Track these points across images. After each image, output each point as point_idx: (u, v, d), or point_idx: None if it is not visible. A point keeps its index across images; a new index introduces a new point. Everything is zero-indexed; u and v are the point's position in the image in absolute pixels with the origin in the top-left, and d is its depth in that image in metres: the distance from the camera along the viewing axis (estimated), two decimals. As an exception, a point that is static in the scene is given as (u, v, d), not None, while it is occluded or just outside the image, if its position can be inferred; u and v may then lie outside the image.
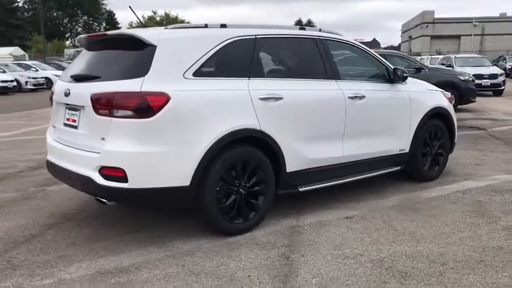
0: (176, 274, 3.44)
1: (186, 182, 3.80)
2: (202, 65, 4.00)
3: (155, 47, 3.82)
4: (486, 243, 3.97)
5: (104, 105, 3.73)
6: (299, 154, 4.51)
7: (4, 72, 24.51)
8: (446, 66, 20.98)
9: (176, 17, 74.11)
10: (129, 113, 3.66)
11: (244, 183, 4.16)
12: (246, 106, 4.11)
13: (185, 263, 3.62)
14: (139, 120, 3.66)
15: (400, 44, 75.58)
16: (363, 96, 5.03)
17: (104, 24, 79.89)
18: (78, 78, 4.19)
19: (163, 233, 4.22)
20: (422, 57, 32.87)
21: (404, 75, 5.40)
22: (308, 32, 4.91)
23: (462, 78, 13.63)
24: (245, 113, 4.11)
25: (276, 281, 3.33)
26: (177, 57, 3.90)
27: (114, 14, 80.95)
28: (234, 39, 4.26)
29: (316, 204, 4.99)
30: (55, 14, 78.54)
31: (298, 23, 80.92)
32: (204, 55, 4.02)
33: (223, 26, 4.36)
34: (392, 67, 5.45)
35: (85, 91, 3.90)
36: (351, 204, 5.06)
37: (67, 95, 4.16)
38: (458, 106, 13.69)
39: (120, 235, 4.20)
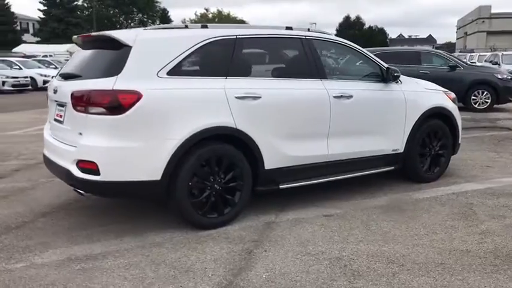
0: (138, 263, 3.63)
1: (157, 176, 3.98)
2: (178, 65, 4.16)
3: (130, 47, 4.02)
4: (455, 247, 3.91)
5: (81, 102, 3.96)
6: (279, 152, 4.58)
7: (21, 69, 23.95)
8: (493, 64, 20.21)
9: (228, 14, 74.96)
10: (102, 109, 3.87)
11: (219, 179, 4.29)
12: (221, 104, 4.24)
13: (151, 253, 3.80)
14: (111, 117, 3.87)
15: (456, 40, 73.05)
16: (350, 96, 5.03)
17: (158, 22, 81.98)
18: (65, 77, 4.47)
19: (143, 224, 4.42)
20: (473, 54, 31.72)
21: (395, 74, 5.33)
22: (294, 32, 4.96)
23: (500, 77, 13.11)
24: (219, 111, 4.23)
25: (229, 274, 3.45)
26: (151, 57, 4.08)
27: (168, 12, 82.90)
28: (214, 39, 4.39)
29: (301, 201, 5.05)
30: (112, 11, 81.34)
31: (346, 19, 79.92)
32: (180, 55, 4.17)
33: (204, 26, 4.50)
34: (386, 66, 5.40)
35: (67, 89, 4.16)
36: (336, 202, 5.08)
37: (55, 92, 4.44)
38: (495, 106, 13.20)
39: (103, 225, 4.44)
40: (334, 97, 4.91)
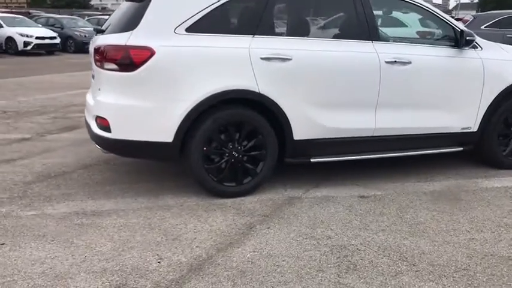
0: (133, 225, 3.54)
1: (169, 138, 3.81)
2: (200, 21, 3.88)
3: (149, 1, 3.83)
4: (496, 251, 3.22)
5: (99, 57, 3.91)
6: (311, 122, 4.14)
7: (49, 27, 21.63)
8: None
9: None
10: (115, 66, 3.77)
11: (239, 146, 4.01)
12: (243, 66, 3.90)
13: (154, 216, 3.69)
14: (123, 74, 3.76)
15: None
16: (408, 62, 4.34)
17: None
18: (98, 31, 4.45)
19: (167, 186, 4.33)
20: None
21: (468, 38, 4.47)
22: (344, -14, 4.37)
23: None
24: (240, 73, 3.90)
25: (214, 248, 3.20)
26: (170, 12, 3.86)
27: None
28: (244, -7, 4.03)
29: (342, 178, 4.59)
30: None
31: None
32: (203, 10, 3.89)
33: (234, -21, 4.14)
34: (460, 28, 4.56)
35: (93, 44, 4.14)
36: (381, 183, 4.51)
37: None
38: None
39: (129, 182, 4.44)
40: (387, 62, 4.28)
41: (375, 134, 4.39)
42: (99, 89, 3.95)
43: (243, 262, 3.03)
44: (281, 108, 4.00)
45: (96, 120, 3.98)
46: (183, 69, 3.79)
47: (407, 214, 3.81)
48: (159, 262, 3.02)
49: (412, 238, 3.39)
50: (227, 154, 3.99)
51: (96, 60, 3.98)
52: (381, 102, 4.33)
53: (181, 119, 3.78)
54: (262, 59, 3.93)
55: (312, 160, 4.24)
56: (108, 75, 3.84)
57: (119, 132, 3.82)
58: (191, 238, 3.34)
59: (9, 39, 19.53)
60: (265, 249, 3.20)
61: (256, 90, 3.91)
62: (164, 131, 3.81)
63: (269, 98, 3.95)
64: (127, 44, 3.73)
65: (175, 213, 3.75)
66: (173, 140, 3.82)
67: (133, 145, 3.84)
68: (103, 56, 3.84)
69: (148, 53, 3.71)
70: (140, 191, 4.22)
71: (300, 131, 4.12)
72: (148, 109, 3.78)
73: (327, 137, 4.24)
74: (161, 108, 3.79)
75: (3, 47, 19.58)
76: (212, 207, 3.89)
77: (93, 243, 3.25)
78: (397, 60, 4.30)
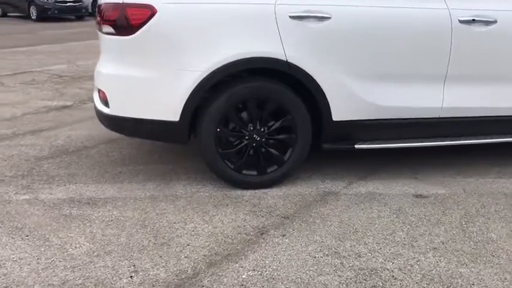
0: (125, 221, 2.96)
1: (174, 117, 3.16)
2: (213, -30, 3.12)
3: None
4: None
5: (99, 18, 3.30)
6: (357, 99, 3.27)
7: None
8: None
9: None
10: (111, 28, 3.15)
11: (261, 128, 3.26)
12: (266, 26, 3.10)
13: (151, 210, 3.09)
14: (120, 38, 3.13)
15: None
16: (492, 22, 3.28)
17: None
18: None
19: (184, 171, 3.71)
20: None
21: None
22: None
23: None
24: (263, 35, 3.12)
25: (204, 262, 2.53)
26: (177, -40, 3.12)
27: None
28: None
29: (399, 169, 3.70)
30: None
31: None
32: (218, -44, 3.11)
33: None
34: None
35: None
36: (448, 178, 3.57)
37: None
38: None
39: (145, 163, 3.88)
40: (461, 22, 3.25)
41: (442, 115, 3.42)
42: (100, 58, 3.36)
43: (234, 286, 2.33)
44: (316, 81, 3.17)
45: (98, 93, 3.42)
46: (191, 31, 3.07)
47: (474, 226, 2.87)
48: (131, 277, 2.41)
49: (474, 265, 2.48)
50: (247, 137, 3.26)
51: (97, 23, 3.38)
52: (452, 74, 3.33)
53: (189, 93, 3.10)
54: (291, 17, 3.10)
55: (356, 146, 3.38)
56: (106, 41, 3.24)
57: (117, 107, 3.24)
58: (184, 244, 2.70)
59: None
60: (269, 268, 2.47)
61: (283, 58, 3.11)
62: (168, 107, 3.16)
63: (300, 68, 3.14)
64: (124, 1, 3.07)
65: (179, 207, 3.13)
66: (180, 119, 3.15)
67: (134, 123, 3.24)
68: (101, 16, 3.23)
69: (148, 12, 3.03)
70: (152, 175, 3.64)
71: (341, 110, 3.28)
72: (149, 81, 3.14)
73: (377, 118, 3.35)
74: (164, 80, 3.13)
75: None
76: (225, 201, 3.21)
77: (69, 243, 2.72)
78: (476, 18, 3.26)
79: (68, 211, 3.10)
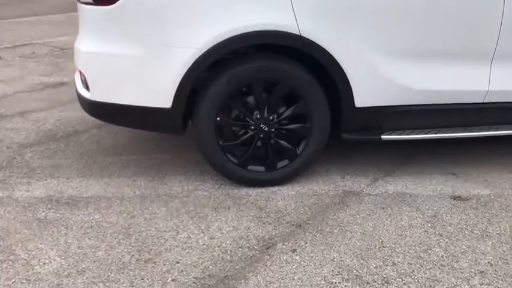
0: (107, 228, 2.50)
1: (166, 103, 2.65)
2: None
3: None
4: None
5: (76, -16, 2.78)
6: (385, 80, 2.72)
7: None
8: None
9: None
10: (89, -4, 2.63)
11: (270, 116, 2.74)
12: (275, -7, 2.54)
13: (140, 214, 2.63)
14: (98, 8, 2.61)
15: None
16: (555, -16, 2.65)
17: None
18: None
19: (184, 163, 3.23)
20: None
21: None
22: None
23: None
24: (271, 3, 2.56)
25: None
26: None
27: None
28: None
29: (433, 163, 3.16)
30: None
31: None
32: None
33: None
34: None
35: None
36: (495, 175, 3.02)
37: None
38: None
39: (139, 153, 3.41)
40: (517, -14, 2.63)
41: (487, 100, 2.85)
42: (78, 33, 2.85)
43: (229, 324, 1.87)
44: (335, 60, 2.62)
45: (80, 74, 2.92)
46: (183, 0, 2.52)
47: (527, 240, 2.34)
48: (101, 309, 1.96)
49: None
50: (252, 127, 2.74)
51: (75, -10, 2.85)
52: (502, 50, 2.73)
53: (182, 74, 2.58)
54: (306, -18, 2.53)
55: (383, 137, 2.83)
56: (84, 12, 2.72)
57: (98, 92, 2.74)
58: (172, 261, 2.23)
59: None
60: (273, 298, 1.99)
61: (296, 32, 2.56)
62: (158, 91, 2.65)
63: (315, 44, 2.59)
64: (103, -38, 2.53)
65: (172, 210, 2.65)
66: (172, 105, 2.65)
67: (118, 111, 2.75)
68: (78, -18, 2.70)
69: (131, -23, 2.49)
70: (146, 167, 3.17)
71: (366, 95, 2.73)
72: (134, 60, 2.62)
73: (409, 103, 2.80)
74: (153, 59, 2.61)
75: None
76: (227, 202, 2.72)
77: (37, 258, 2.27)
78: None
79: (43, 214, 2.65)
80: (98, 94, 2.73)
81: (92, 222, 2.56)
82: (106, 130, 3.83)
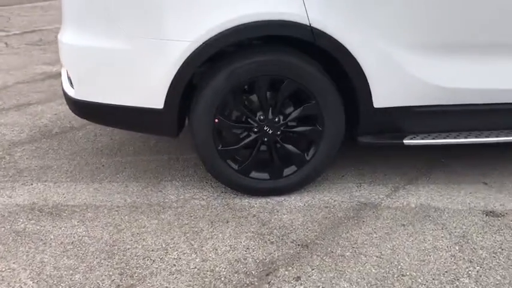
0: (87, 246, 2.22)
1: (157, 104, 2.34)
2: None
3: None
4: None
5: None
6: (411, 78, 2.36)
7: None
8: None
9: None
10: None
11: (275, 117, 2.40)
12: (280, -23, 2.19)
13: (127, 228, 2.34)
14: (78, -6, 2.29)
15: None
16: None
17: None
18: None
19: (182, 166, 2.94)
20: None
21: None
22: None
23: None
24: (277, -11, 2.21)
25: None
26: None
27: None
28: None
29: (465, 169, 2.79)
30: None
31: None
32: None
33: None
34: None
35: None
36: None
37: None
38: None
39: (136, 154, 3.13)
40: None
41: (529, 100, 2.45)
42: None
43: None
44: (351, 54, 2.28)
45: (66, 69, 2.63)
46: (174, -15, 2.20)
47: None
48: None
49: None
50: (255, 129, 2.42)
51: (58, -27, 2.54)
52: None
53: (175, 71, 2.27)
54: (317, -37, 2.17)
55: (406, 142, 2.47)
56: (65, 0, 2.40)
57: (82, 90, 2.45)
58: (157, 288, 1.94)
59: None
60: None
61: (305, 22, 2.21)
62: (149, 90, 2.35)
63: (328, 36, 2.24)
64: None
65: (163, 224, 2.36)
66: (165, 106, 2.34)
67: (105, 111, 2.45)
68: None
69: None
70: (141, 171, 2.89)
71: (387, 94, 2.38)
72: (121, 55, 2.31)
73: (436, 103, 2.43)
74: (142, 54, 2.30)
75: None
76: (225, 214, 2.42)
77: (7, 281, 2.01)
78: None
79: (22, 226, 2.39)
80: (82, 92, 2.44)
81: (74, 236, 2.28)
82: (103, 126, 3.54)
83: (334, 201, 2.50)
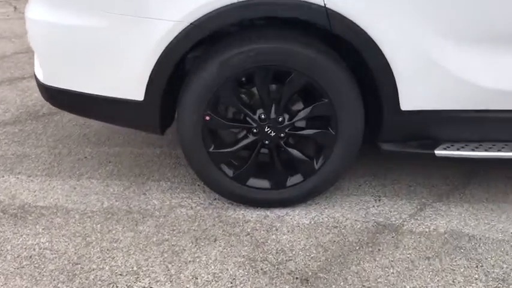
0: (47, 262, 1.87)
1: (136, 95, 1.95)
2: None
3: None
4: None
5: None
6: (447, 75, 1.89)
7: None
8: None
9: None
10: None
11: (278, 116, 1.98)
12: None
13: (97, 238, 1.98)
14: (44, -40, 1.88)
15: None
16: None
17: None
18: None
19: (172, 161, 2.56)
20: None
21: None
22: None
23: None
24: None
25: None
26: None
27: None
28: None
29: (508, 187, 2.31)
30: None
31: None
32: None
33: None
34: None
35: None
36: None
37: None
38: None
39: (125, 145, 2.76)
40: None
41: None
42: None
43: None
44: (374, 43, 1.82)
45: (38, 49, 2.24)
46: (157, -50, 1.76)
47: None
48: None
49: None
50: (255, 130, 1.99)
51: None
52: None
53: (158, 56, 1.85)
54: None
55: (437, 153, 2.02)
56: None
57: (50, 74, 2.07)
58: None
59: None
60: None
61: (319, 2, 1.74)
62: (126, 79, 1.94)
63: (347, 20, 1.78)
64: None
65: (139, 239, 1.99)
66: (145, 98, 1.94)
67: (79, 100, 2.06)
68: None
69: None
70: (126, 166, 2.53)
71: (417, 94, 1.93)
72: (94, 34, 1.90)
73: (480, 108, 1.96)
74: (118, 34, 1.88)
75: None
76: (215, 229, 2.03)
77: None
78: None
79: (-19, 233, 2.05)
80: (50, 77, 2.05)
81: (34, 249, 1.94)
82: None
83: (346, 219, 2.08)
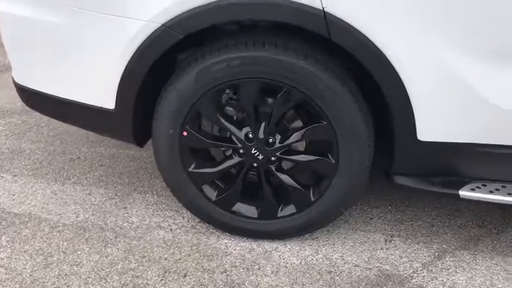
0: (-2, 283, 1.69)
1: (106, 103, 1.70)
2: None
3: None
4: None
5: None
6: (475, 99, 1.49)
7: None
8: None
9: None
10: None
11: (268, 136, 1.66)
12: None
13: (59, 259, 1.78)
14: None
15: None
16: None
17: None
18: None
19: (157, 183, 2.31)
20: None
21: None
22: None
23: None
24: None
25: None
26: None
27: None
28: None
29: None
30: None
31: None
32: None
33: None
34: None
35: None
36: None
37: None
38: None
39: (112, 145, 2.54)
40: None
41: None
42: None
43: None
44: (384, 57, 1.46)
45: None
46: None
47: None
48: None
49: None
50: (241, 151, 1.69)
51: None
52: None
53: (127, 60, 1.59)
54: None
55: (462, 194, 1.63)
56: None
57: (19, 72, 1.87)
58: None
59: None
60: None
61: (317, 5, 1.40)
62: (95, 84, 1.69)
63: (350, 28, 1.43)
64: None
65: (103, 264, 1.76)
66: (117, 106, 1.69)
67: (46, 103, 1.84)
68: None
69: None
70: (116, 173, 2.32)
71: (437, 122, 1.55)
72: (59, 31, 1.67)
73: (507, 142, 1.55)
74: (85, 33, 1.63)
75: None
76: (188, 262, 1.77)
77: None
78: None
79: None
80: (20, 75, 1.85)
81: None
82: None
83: (345, 263, 1.75)
